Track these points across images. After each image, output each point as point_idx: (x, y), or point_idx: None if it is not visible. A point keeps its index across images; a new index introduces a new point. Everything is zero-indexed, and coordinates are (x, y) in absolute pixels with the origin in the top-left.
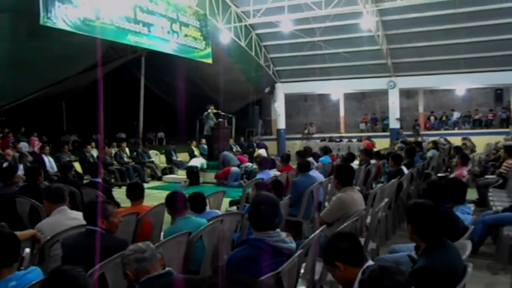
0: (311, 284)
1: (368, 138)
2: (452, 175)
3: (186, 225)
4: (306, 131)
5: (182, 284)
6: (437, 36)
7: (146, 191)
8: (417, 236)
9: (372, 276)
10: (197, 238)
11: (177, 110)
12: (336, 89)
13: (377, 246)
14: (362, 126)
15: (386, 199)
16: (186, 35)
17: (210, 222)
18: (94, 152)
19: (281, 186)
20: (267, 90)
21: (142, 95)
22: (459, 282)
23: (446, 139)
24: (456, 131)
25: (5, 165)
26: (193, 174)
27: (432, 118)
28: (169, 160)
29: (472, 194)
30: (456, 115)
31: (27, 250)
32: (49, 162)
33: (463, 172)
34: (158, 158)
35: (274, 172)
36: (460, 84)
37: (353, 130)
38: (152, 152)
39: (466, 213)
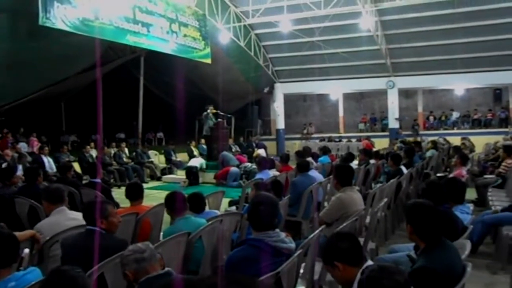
0: (310, 284)
1: (367, 138)
2: (451, 175)
3: (186, 225)
4: (305, 131)
5: (181, 284)
6: (436, 36)
7: (146, 191)
8: (416, 236)
9: (372, 276)
10: (197, 238)
11: (176, 110)
12: (335, 89)
13: (376, 246)
14: (361, 126)
15: (385, 199)
16: (185, 35)
17: (210, 222)
18: (93, 153)
19: (280, 186)
20: (266, 90)
21: (141, 95)
22: (459, 281)
23: (445, 139)
24: (455, 131)
25: (4, 165)
26: (192, 174)
27: (431, 118)
28: (168, 160)
29: (471, 193)
30: (455, 115)
31: (26, 250)
32: (48, 163)
33: (462, 172)
34: (157, 158)
35: (273, 172)
36: (459, 84)
37: (352, 130)
38: (151, 152)
39: (465, 213)
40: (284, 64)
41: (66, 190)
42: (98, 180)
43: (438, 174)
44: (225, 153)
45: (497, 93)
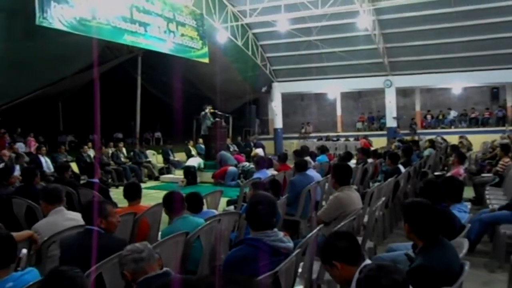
0: (308, 283)
1: (365, 137)
2: (448, 174)
3: (184, 225)
4: (303, 130)
5: (180, 284)
6: (434, 35)
7: (143, 191)
8: (414, 235)
9: (370, 275)
10: (195, 238)
11: (174, 110)
12: (333, 88)
13: (375, 245)
14: (359, 125)
15: (383, 198)
16: (182, 35)
17: (208, 222)
18: (91, 152)
19: (278, 186)
20: (264, 89)
21: (139, 95)
22: (456, 280)
23: (442, 138)
24: (452, 129)
25: (1, 165)
26: (190, 173)
27: (428, 116)
28: (166, 160)
29: (468, 192)
30: (452, 113)
31: (24, 251)
32: (46, 163)
33: (460, 170)
34: (155, 158)
35: (271, 172)
36: (457, 83)
37: (350, 129)
38: (149, 152)
39: (462, 212)
40: (281, 63)
41: (64, 190)
42: (96, 180)
43: (436, 173)
44: (223, 152)
45: (494, 92)
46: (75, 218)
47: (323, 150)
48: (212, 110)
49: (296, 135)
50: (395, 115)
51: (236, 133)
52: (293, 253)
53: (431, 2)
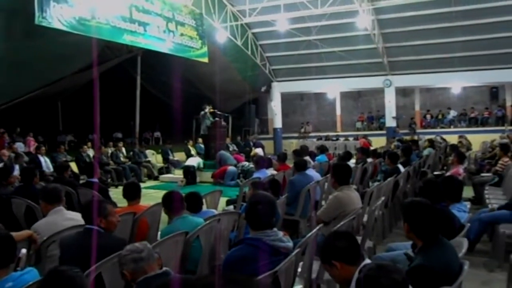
0: (308, 283)
1: (365, 136)
2: (448, 173)
3: (183, 225)
4: (302, 130)
5: (179, 284)
6: (433, 35)
7: (143, 191)
8: (413, 234)
9: (369, 274)
10: (194, 238)
11: (174, 110)
12: (332, 88)
13: (374, 245)
14: (359, 124)
15: (383, 198)
16: (182, 34)
17: (207, 222)
18: (91, 152)
19: (278, 185)
20: (263, 89)
21: (138, 95)
22: (456, 280)
23: (442, 137)
24: (452, 129)
25: (0, 165)
26: (189, 173)
27: (428, 116)
28: (165, 159)
29: (468, 192)
30: (452, 113)
31: (24, 250)
32: (45, 162)
33: (459, 170)
34: (154, 158)
35: (270, 171)
36: (456, 82)
37: (349, 129)
38: (148, 152)
39: (462, 211)
40: (281, 63)
41: (63, 190)
42: (95, 179)
43: (435, 173)
44: (222, 152)
45: (494, 92)
46: (75, 218)
47: (322, 149)
48: (212, 110)
49: (296, 134)
50: (394, 114)
51: (236, 133)
52: (293, 252)
53: (431, 1)
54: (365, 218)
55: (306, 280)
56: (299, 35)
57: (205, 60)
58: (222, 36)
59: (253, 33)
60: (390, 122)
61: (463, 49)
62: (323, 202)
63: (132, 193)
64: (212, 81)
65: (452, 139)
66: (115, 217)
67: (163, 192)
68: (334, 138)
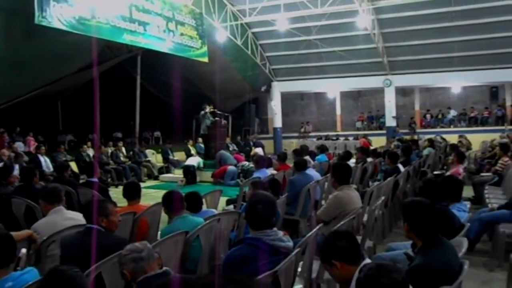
0: (308, 283)
1: (365, 136)
2: (448, 173)
3: (183, 224)
4: (302, 130)
5: (179, 283)
6: (433, 34)
7: (143, 191)
8: (413, 234)
9: (369, 274)
10: (194, 238)
11: (173, 109)
12: (332, 88)
13: (374, 244)
14: (359, 124)
15: (383, 197)
16: (182, 34)
17: (207, 221)
18: (90, 152)
19: (278, 185)
20: (263, 88)
21: (138, 94)
22: (456, 279)
23: (442, 137)
24: (452, 129)
25: (0, 165)
26: (189, 173)
27: (428, 116)
28: (165, 159)
29: (468, 191)
30: (452, 113)
31: (23, 250)
32: (45, 162)
33: (459, 169)
34: (154, 157)
35: (270, 171)
36: (456, 82)
37: (349, 129)
38: (148, 151)
39: (462, 211)
40: (281, 62)
41: (63, 190)
42: (95, 179)
43: (435, 172)
44: (222, 152)
45: (494, 91)
46: (75, 217)
47: (322, 149)
48: (212, 110)
49: (296, 134)
50: (394, 114)
51: (236, 133)
52: (293, 252)
53: (431, 1)
54: (365, 218)
55: (306, 279)
56: (299, 35)
57: (205, 59)
58: (222, 35)
59: (253, 33)
60: (390, 122)
61: (463, 49)
62: (323, 202)
63: (132, 193)
64: (212, 81)
65: (452, 138)
66: (116, 217)
67: (163, 191)
68: (334, 138)
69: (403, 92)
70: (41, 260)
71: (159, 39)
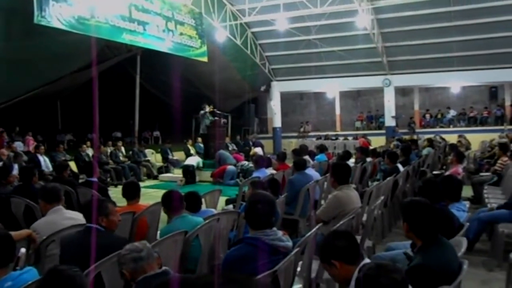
0: (307, 282)
1: (364, 136)
2: (447, 173)
3: (183, 224)
4: (302, 130)
5: (179, 283)
6: (432, 34)
7: (142, 190)
8: (413, 234)
9: (369, 274)
10: (194, 237)
11: (173, 109)
12: (332, 87)
13: (373, 244)
14: (358, 124)
15: (382, 197)
16: (181, 34)
17: (207, 221)
18: (90, 151)
19: (277, 185)
20: (263, 88)
21: (138, 94)
22: (455, 279)
23: (441, 137)
24: (451, 128)
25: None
26: (189, 172)
27: (427, 116)
28: (165, 159)
29: (467, 191)
30: (451, 113)
31: (23, 250)
32: (44, 162)
33: (458, 169)
34: (154, 157)
35: (270, 171)
36: (455, 82)
37: (348, 128)
38: (148, 151)
39: (461, 211)
40: (280, 62)
41: (62, 189)
42: (94, 179)
43: (434, 172)
44: (222, 151)
45: (493, 91)
46: (74, 217)
47: (322, 149)
48: (212, 109)
49: (295, 134)
50: (394, 114)
51: (235, 132)
52: (292, 252)
53: (430, 1)
54: (364, 218)
55: (305, 279)
56: (299, 35)
57: (205, 59)
58: (221, 35)
59: (252, 33)
60: (390, 122)
61: (462, 49)
62: (322, 202)
63: (132, 193)
64: (211, 81)
65: (451, 138)
66: (116, 216)
67: (163, 191)
68: (334, 138)
69: (402, 92)
70: (40, 259)
71: (158, 38)
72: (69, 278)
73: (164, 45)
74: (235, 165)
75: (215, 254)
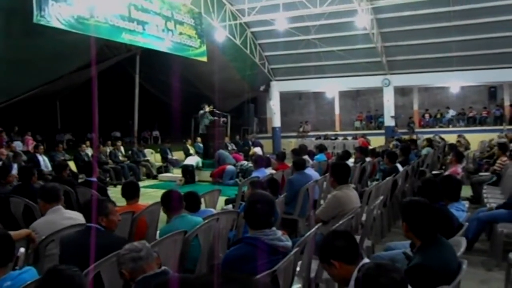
0: (306, 282)
1: (363, 136)
2: (446, 173)
3: (182, 224)
4: (301, 129)
5: (178, 283)
6: (432, 34)
7: (142, 190)
8: (412, 234)
9: (368, 273)
10: (193, 237)
11: (172, 109)
12: (331, 87)
13: (373, 244)
14: (357, 124)
15: (381, 197)
16: (180, 33)
17: (206, 221)
18: (89, 151)
19: (276, 184)
20: (262, 88)
21: (137, 94)
22: (454, 278)
23: (440, 137)
24: (450, 128)
25: None
26: (188, 172)
27: (426, 115)
28: (164, 158)
29: (466, 191)
30: (450, 112)
31: (22, 250)
32: (44, 161)
33: (458, 169)
34: (153, 157)
35: (269, 171)
36: (454, 82)
37: (348, 128)
38: (147, 151)
39: (460, 210)
40: (280, 62)
41: (61, 189)
42: (94, 179)
43: (434, 172)
44: (221, 151)
45: (492, 91)
46: (73, 217)
47: (321, 149)
48: (211, 109)
49: (294, 134)
50: (393, 114)
51: (235, 132)
52: (292, 251)
53: (429, 1)
54: (363, 217)
55: (304, 279)
56: (298, 34)
57: (204, 59)
58: (221, 35)
59: (252, 32)
60: (389, 122)
61: (462, 49)
62: (321, 201)
63: (131, 192)
64: (211, 80)
65: (451, 138)
66: (116, 216)
67: (162, 191)
68: (333, 137)
69: (401, 92)
70: (39, 259)
71: (158, 38)
72: (68, 278)
73: (163, 45)
74: (234, 165)
75: (215, 254)
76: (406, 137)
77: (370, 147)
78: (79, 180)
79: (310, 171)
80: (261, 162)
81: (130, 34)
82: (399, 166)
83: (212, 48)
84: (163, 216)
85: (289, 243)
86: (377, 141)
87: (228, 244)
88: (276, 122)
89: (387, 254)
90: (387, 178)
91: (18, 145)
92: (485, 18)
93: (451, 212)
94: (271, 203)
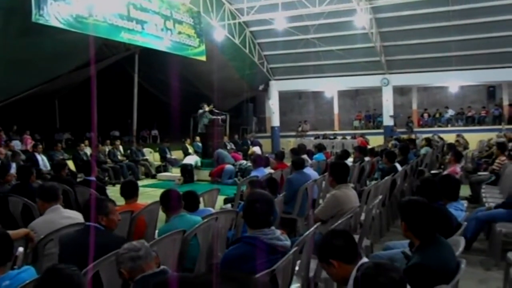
0: (305, 281)
1: (362, 135)
2: (445, 172)
3: (181, 223)
4: (300, 129)
5: (177, 282)
6: (431, 34)
7: (140, 189)
8: (411, 233)
9: (367, 273)
10: (192, 236)
11: (171, 108)
12: (330, 87)
13: (371, 243)
14: (356, 123)
15: (380, 196)
16: (179, 33)
17: (205, 220)
18: (88, 150)
19: (275, 184)
20: (261, 87)
21: (136, 93)
22: (453, 278)
23: (439, 136)
24: (449, 128)
25: None
26: (187, 172)
27: (425, 115)
28: (163, 158)
29: (465, 190)
30: (449, 112)
31: (21, 249)
32: (42, 161)
33: (456, 169)
34: (152, 156)
35: (268, 170)
36: (453, 82)
37: (347, 128)
38: (146, 150)
39: (459, 210)
40: (279, 61)
41: (60, 188)
42: (92, 178)
43: (432, 171)
44: (220, 150)
45: (491, 91)
46: (72, 216)
47: (320, 148)
48: (211, 109)
49: (293, 133)
50: (392, 113)
51: (233, 131)
52: (290, 251)
53: (428, 0)
54: (362, 217)
55: (303, 278)
56: (297, 34)
57: (203, 58)
58: (220, 34)
59: (251, 32)
60: (388, 121)
61: (461, 48)
62: (320, 201)
63: (130, 192)
64: (210, 80)
65: (449, 138)
66: (116, 215)
67: (161, 190)
68: (332, 137)
69: (400, 91)
70: (38, 258)
71: (156, 37)
72: (67, 277)
73: (162, 44)
74: (233, 164)
75: (214, 253)
76: (405, 136)
77: (369, 147)
78: (78, 179)
79: (309, 171)
80: (260, 161)
81: (129, 33)
82: (398, 165)
83: (211, 47)
84: (162, 215)
85: (288, 242)
86: (376, 141)
87: (227, 244)
88: (275, 121)
89: (386, 253)
90: (386, 178)
91: (16, 144)
92: (484, 17)
93: (449, 212)
94: (270, 202)
